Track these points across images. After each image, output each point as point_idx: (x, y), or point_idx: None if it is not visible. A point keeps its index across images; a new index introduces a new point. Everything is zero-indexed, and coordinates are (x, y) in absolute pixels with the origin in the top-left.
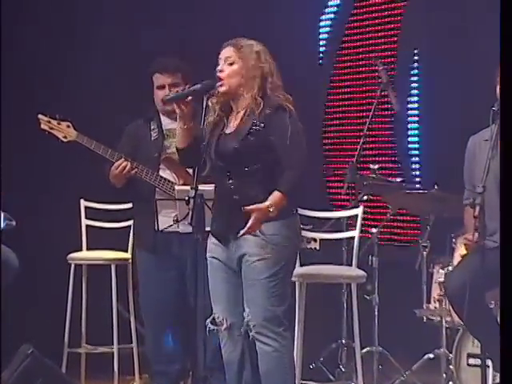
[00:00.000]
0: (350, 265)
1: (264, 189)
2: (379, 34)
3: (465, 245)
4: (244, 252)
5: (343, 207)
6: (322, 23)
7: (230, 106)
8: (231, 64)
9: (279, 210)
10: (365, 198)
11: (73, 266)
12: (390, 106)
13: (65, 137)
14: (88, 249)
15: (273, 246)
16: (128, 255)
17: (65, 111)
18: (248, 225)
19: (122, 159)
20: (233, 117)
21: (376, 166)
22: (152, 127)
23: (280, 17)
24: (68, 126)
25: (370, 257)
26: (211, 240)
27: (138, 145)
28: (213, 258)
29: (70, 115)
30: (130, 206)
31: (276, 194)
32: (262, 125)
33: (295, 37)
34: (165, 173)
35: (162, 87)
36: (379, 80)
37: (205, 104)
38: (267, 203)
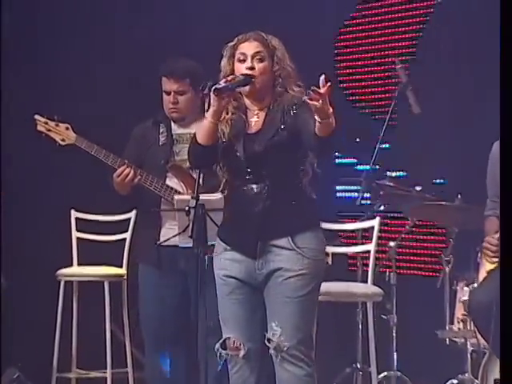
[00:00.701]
0: (366, 281)
1: (298, 191)
2: (398, 29)
3: (484, 252)
4: (276, 267)
5: (357, 218)
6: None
7: (243, 103)
8: (261, 60)
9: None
10: (381, 208)
11: (62, 282)
12: (409, 108)
13: (63, 140)
14: (79, 264)
15: (309, 260)
16: (123, 271)
17: (64, 112)
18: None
19: (125, 166)
20: (252, 115)
21: (394, 174)
22: (161, 130)
23: (289, 16)
24: (67, 129)
25: (388, 273)
26: (224, 255)
27: (145, 149)
28: (227, 276)
29: (69, 117)
30: (125, 217)
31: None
32: (290, 121)
33: (307, 30)
34: (172, 181)
35: (167, 93)
36: (397, 80)
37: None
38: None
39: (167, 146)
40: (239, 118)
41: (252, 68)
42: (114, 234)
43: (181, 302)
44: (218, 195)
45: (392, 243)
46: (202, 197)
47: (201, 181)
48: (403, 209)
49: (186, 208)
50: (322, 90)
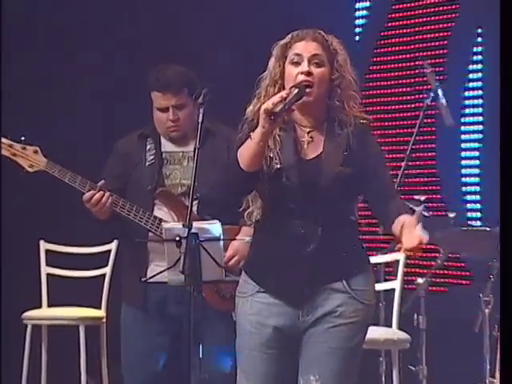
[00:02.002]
0: (390, 326)
1: (351, 228)
2: (427, 27)
3: None
4: (325, 311)
5: (380, 250)
6: (357, 14)
7: (292, 116)
8: (320, 65)
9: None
10: None
11: (29, 326)
12: (440, 119)
13: (31, 166)
14: (49, 305)
15: (363, 306)
16: (101, 313)
17: (31, 133)
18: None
19: (95, 190)
20: (303, 134)
21: (423, 198)
22: (148, 147)
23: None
24: (35, 152)
25: (416, 315)
26: (258, 298)
27: (129, 170)
28: (262, 325)
29: (37, 138)
30: (105, 248)
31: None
32: (356, 151)
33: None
34: (161, 211)
35: (163, 109)
36: (426, 86)
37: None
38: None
39: (155, 167)
40: (288, 135)
41: (309, 73)
42: (92, 269)
43: (171, 352)
44: (214, 222)
45: (421, 280)
46: (196, 224)
47: (194, 208)
48: (434, 239)
49: (177, 238)
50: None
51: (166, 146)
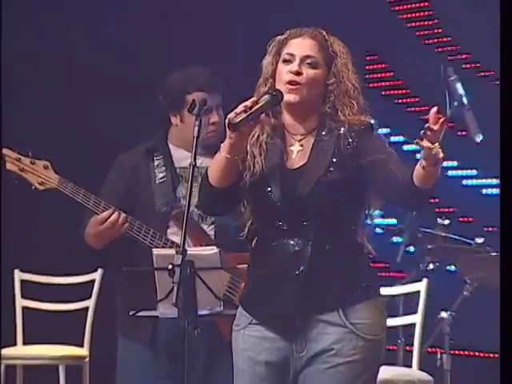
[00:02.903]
0: (410, 366)
1: (352, 249)
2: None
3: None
4: (320, 349)
5: (398, 280)
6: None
7: (282, 122)
8: (314, 66)
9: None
10: (431, 266)
11: (3, 367)
12: (465, 133)
13: (42, 183)
14: (25, 343)
15: (365, 341)
16: (84, 352)
17: (40, 147)
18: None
19: (111, 210)
20: (293, 141)
21: (446, 221)
22: (156, 163)
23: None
24: (45, 167)
25: (439, 354)
26: (250, 331)
27: (137, 189)
28: (254, 361)
29: (47, 152)
30: (88, 278)
31: None
32: (349, 151)
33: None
34: (174, 235)
35: (209, 110)
36: (450, 95)
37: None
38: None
39: (168, 185)
40: (276, 144)
41: (298, 73)
42: (73, 301)
43: None
44: (211, 249)
45: (444, 314)
46: (191, 251)
47: (211, 232)
48: (460, 267)
49: (169, 266)
50: (436, 127)
51: (180, 160)
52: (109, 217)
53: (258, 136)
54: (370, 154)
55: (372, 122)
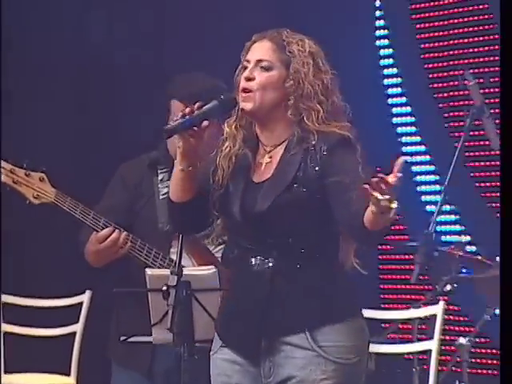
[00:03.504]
0: None
1: (323, 265)
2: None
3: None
4: (287, 375)
5: (412, 303)
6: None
7: (256, 136)
8: (267, 69)
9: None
10: (448, 288)
11: None
12: (486, 142)
13: (37, 196)
14: (6, 371)
15: (336, 365)
16: (70, 380)
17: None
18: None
19: (111, 228)
20: (263, 153)
21: (465, 239)
22: (160, 177)
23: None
24: (41, 180)
25: (458, 383)
26: (222, 354)
27: (138, 204)
28: None
29: (43, 162)
30: (75, 301)
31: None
32: (316, 168)
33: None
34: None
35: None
36: (469, 102)
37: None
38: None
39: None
40: (246, 156)
41: (249, 79)
42: (59, 326)
43: None
44: (209, 268)
45: (463, 340)
46: (187, 271)
47: (218, 254)
48: (479, 289)
49: (164, 288)
50: (392, 180)
51: None
52: (109, 235)
53: (230, 148)
54: (334, 175)
55: (348, 135)
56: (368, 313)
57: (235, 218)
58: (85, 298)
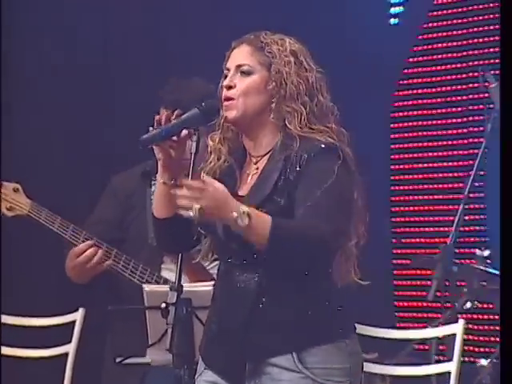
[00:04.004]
0: None
1: (312, 281)
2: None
3: None
4: None
5: (429, 322)
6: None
7: (243, 148)
8: (248, 73)
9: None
10: (468, 305)
11: None
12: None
13: (10, 208)
14: None
15: None
16: None
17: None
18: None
19: (89, 242)
20: (250, 164)
21: (486, 253)
22: (153, 188)
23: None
24: (15, 191)
25: None
26: (206, 377)
27: (130, 217)
28: None
29: (18, 174)
30: (67, 319)
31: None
32: (291, 177)
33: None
34: (170, 272)
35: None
36: (490, 106)
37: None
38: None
39: None
40: (233, 167)
41: (229, 87)
42: (50, 346)
43: None
44: (210, 284)
45: (484, 361)
46: (188, 287)
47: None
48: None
49: (163, 305)
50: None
51: None
52: (85, 250)
53: (214, 163)
54: (300, 186)
55: (331, 142)
56: (381, 332)
57: (218, 235)
58: (78, 316)
